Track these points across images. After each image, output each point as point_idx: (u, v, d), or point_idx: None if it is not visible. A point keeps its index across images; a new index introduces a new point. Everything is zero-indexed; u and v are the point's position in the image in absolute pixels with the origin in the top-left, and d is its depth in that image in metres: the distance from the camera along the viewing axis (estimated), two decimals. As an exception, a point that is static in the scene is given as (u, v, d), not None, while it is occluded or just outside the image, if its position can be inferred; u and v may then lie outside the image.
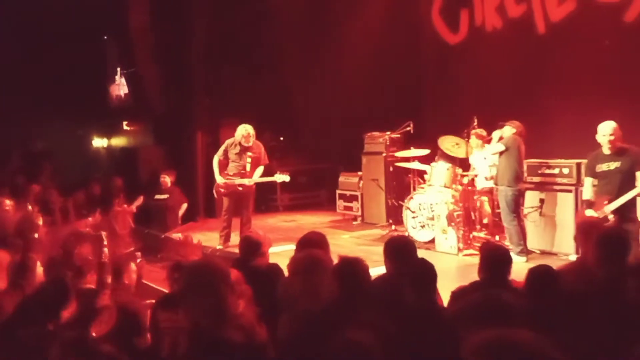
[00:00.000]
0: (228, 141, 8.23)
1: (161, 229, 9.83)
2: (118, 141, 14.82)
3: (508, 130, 7.26)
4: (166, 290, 4.91)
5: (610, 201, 5.74)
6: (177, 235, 9.10)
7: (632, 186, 5.73)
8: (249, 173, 8.08)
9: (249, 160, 8.05)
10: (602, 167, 5.94)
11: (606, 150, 5.95)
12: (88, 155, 14.57)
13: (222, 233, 8.16)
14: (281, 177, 8.28)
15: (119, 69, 14.74)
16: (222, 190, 8.13)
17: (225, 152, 8.17)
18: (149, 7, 11.85)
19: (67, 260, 5.00)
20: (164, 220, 10.00)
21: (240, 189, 8.07)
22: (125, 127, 14.57)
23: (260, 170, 8.15)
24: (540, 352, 1.60)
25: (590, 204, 5.99)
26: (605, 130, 5.91)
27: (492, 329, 1.70)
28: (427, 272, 3.45)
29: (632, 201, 5.80)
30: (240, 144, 8.06)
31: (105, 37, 14.58)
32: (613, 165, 5.86)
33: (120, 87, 14.87)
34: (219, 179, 8.12)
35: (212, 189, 9.37)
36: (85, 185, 12.40)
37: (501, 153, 7.20)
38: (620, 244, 3.57)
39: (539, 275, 3.34)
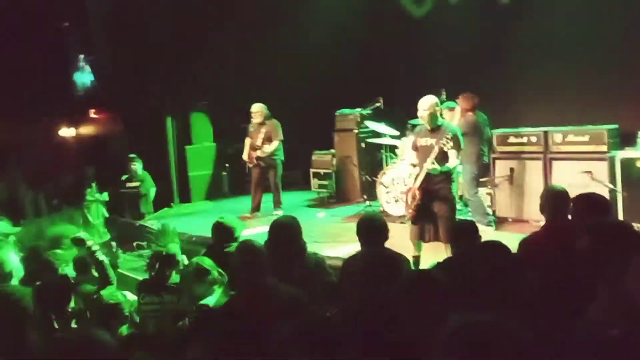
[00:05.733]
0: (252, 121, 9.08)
1: (135, 217, 9.75)
2: (86, 130, 14.57)
3: (456, 111, 7.31)
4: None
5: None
6: (151, 223, 9.05)
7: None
8: (260, 147, 8.89)
9: (260, 135, 8.87)
10: (422, 141, 5.94)
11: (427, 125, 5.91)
12: (56, 146, 14.31)
13: (252, 205, 9.09)
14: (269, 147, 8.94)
15: (82, 56, 14.44)
16: (248, 164, 9.14)
17: (249, 130, 9.12)
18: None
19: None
20: (136, 208, 9.92)
21: (255, 162, 8.97)
22: (92, 115, 14.33)
23: (273, 144, 8.89)
24: (506, 333, 1.62)
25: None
26: (424, 106, 5.87)
27: (457, 316, 1.71)
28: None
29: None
30: (254, 121, 8.96)
31: (67, 24, 14.23)
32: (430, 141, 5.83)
33: (84, 75, 14.60)
34: (244, 155, 9.11)
35: (186, 175, 11.03)
36: (55, 176, 12.24)
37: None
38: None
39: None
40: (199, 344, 3.04)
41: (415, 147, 6.01)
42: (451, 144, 5.60)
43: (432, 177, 5.66)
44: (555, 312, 2.55)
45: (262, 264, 3.55)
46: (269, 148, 8.90)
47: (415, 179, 5.80)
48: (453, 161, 5.70)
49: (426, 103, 5.81)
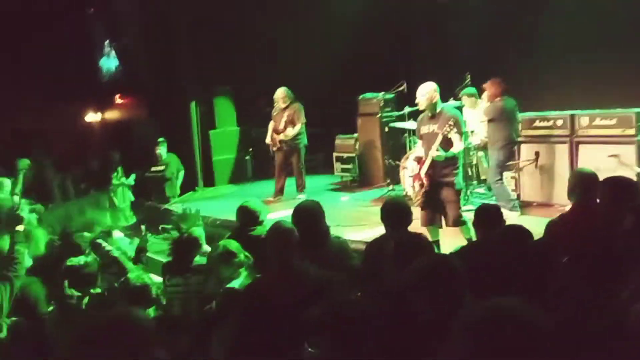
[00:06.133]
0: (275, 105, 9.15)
1: (160, 201, 9.87)
2: (111, 115, 14.73)
3: (485, 95, 7.25)
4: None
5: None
6: (176, 206, 9.16)
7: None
8: (282, 130, 8.93)
9: (284, 119, 8.91)
10: (424, 129, 5.90)
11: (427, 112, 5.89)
12: (82, 131, 14.49)
13: (275, 188, 9.17)
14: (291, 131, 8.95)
15: (107, 42, 14.55)
16: (272, 148, 9.15)
17: (273, 114, 9.14)
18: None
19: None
20: (162, 191, 10.04)
21: (277, 146, 9.02)
22: (118, 101, 14.47)
23: (295, 128, 8.92)
24: (530, 321, 1.62)
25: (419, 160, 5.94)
26: (421, 92, 5.83)
27: (481, 301, 1.72)
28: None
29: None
30: (278, 106, 9.02)
31: (92, 10, 14.34)
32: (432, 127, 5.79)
33: (110, 60, 14.72)
34: (267, 138, 9.12)
35: (210, 159, 11.22)
36: (82, 160, 12.40)
37: (489, 121, 7.23)
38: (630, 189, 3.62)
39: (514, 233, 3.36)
40: (227, 325, 3.08)
41: (419, 135, 6.02)
42: (454, 129, 5.60)
43: (438, 163, 5.67)
44: (586, 294, 2.54)
45: (293, 245, 3.59)
46: (291, 131, 8.91)
47: (421, 166, 5.79)
48: (458, 146, 5.71)
49: (424, 89, 5.82)
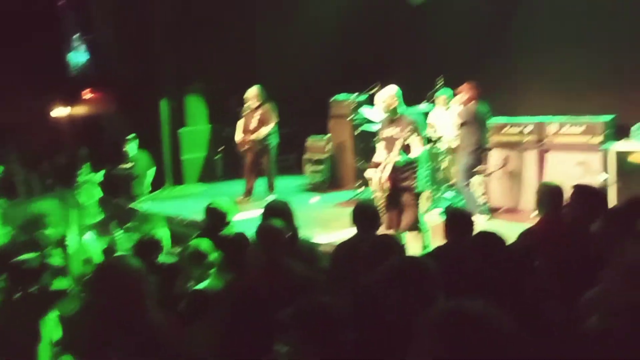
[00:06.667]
0: (246, 104, 9.02)
1: (127, 199, 9.72)
2: (80, 110, 14.47)
3: (460, 98, 7.31)
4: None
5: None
6: (143, 205, 9.04)
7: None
8: (254, 130, 8.81)
9: (255, 119, 8.82)
10: (385, 132, 5.96)
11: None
12: (49, 126, 14.21)
13: (245, 187, 9.10)
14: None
15: (77, 36, 14.30)
16: (240, 148, 9.03)
17: (244, 113, 9.02)
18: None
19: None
20: (130, 189, 9.88)
21: (247, 145, 8.88)
22: (87, 96, 14.23)
23: (267, 127, 8.80)
24: (493, 322, 1.63)
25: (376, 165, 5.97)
26: (381, 97, 5.91)
27: (447, 300, 1.72)
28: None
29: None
30: (249, 105, 8.89)
31: (61, 2, 14.08)
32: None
33: (79, 55, 14.46)
34: (236, 138, 9.00)
35: (179, 157, 11.05)
36: (49, 156, 12.17)
37: (461, 124, 7.28)
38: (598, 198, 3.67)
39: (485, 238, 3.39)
40: (212, 323, 3.08)
41: (380, 138, 6.06)
42: (414, 134, 5.64)
43: (399, 167, 5.70)
44: (559, 298, 2.57)
45: (282, 244, 3.59)
46: (265, 131, 8.83)
47: (383, 170, 5.82)
48: (418, 150, 5.75)
49: (382, 95, 5.88)
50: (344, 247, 4.20)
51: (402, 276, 2.36)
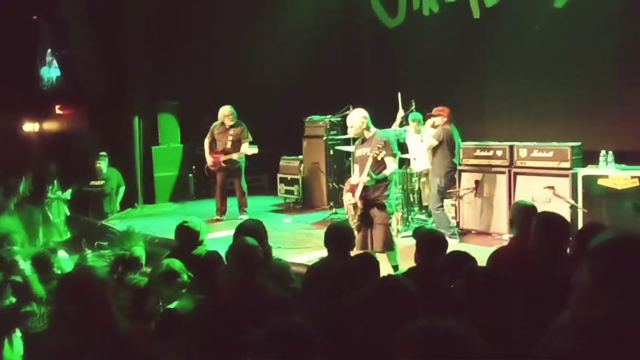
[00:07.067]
0: (214, 124, 9.03)
1: (98, 216, 9.57)
2: (50, 125, 14.28)
3: (439, 120, 7.42)
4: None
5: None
6: (114, 223, 8.91)
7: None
8: (231, 150, 8.82)
9: (230, 138, 8.83)
10: (357, 152, 6.07)
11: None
12: (18, 141, 13.98)
13: (217, 207, 9.06)
14: (251, 150, 8.90)
15: (49, 51, 14.16)
16: (212, 168, 8.98)
17: (212, 133, 9.00)
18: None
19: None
20: (100, 207, 9.73)
21: (225, 164, 8.85)
22: (58, 111, 14.05)
23: (245, 146, 8.84)
24: (466, 340, 1.65)
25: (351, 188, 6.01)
26: (349, 122, 5.99)
27: (421, 319, 1.75)
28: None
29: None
30: (223, 123, 8.87)
31: (35, 17, 13.95)
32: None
33: (51, 70, 14.31)
34: (207, 159, 8.98)
35: (151, 176, 10.92)
36: (17, 171, 11.93)
37: (435, 147, 7.38)
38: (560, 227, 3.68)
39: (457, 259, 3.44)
40: (174, 344, 3.03)
41: (354, 159, 6.13)
42: (383, 152, 5.71)
43: (370, 186, 5.75)
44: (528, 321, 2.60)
45: (256, 262, 3.55)
46: (244, 149, 8.84)
47: (354, 190, 5.84)
48: (390, 168, 5.81)
49: (351, 119, 5.95)
50: (317, 268, 4.19)
51: (383, 296, 2.37)
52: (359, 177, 5.82)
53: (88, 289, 2.69)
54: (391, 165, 5.81)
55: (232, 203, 9.20)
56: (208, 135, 9.06)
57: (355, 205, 5.83)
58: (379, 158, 5.71)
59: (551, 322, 2.41)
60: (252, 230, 4.25)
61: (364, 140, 5.93)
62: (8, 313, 4.11)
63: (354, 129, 5.92)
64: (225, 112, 8.85)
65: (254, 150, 8.92)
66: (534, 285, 3.12)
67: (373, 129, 5.96)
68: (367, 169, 5.67)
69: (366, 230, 5.86)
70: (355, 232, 5.82)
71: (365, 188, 5.74)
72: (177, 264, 4.14)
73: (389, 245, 5.78)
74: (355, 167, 6.07)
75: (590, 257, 1.90)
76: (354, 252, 4.25)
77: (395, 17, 10.64)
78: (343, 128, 9.63)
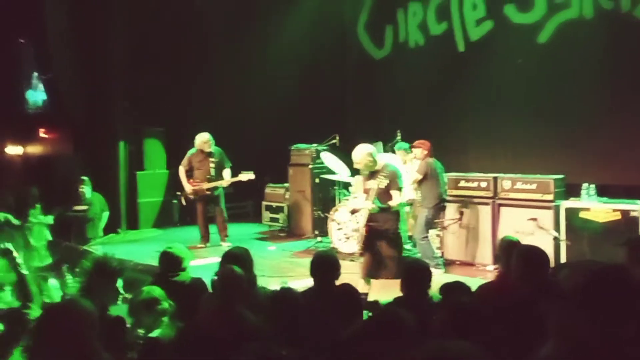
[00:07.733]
0: (190, 151, 8.87)
1: (80, 241, 9.46)
2: (34, 149, 14.15)
3: (419, 153, 7.49)
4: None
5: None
6: (96, 248, 8.80)
7: None
8: (215, 177, 8.73)
9: (212, 165, 8.71)
10: (367, 184, 6.23)
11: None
12: (1, 163, 13.82)
13: (202, 234, 8.96)
14: (246, 175, 8.83)
15: (35, 74, 14.10)
16: (192, 197, 8.82)
17: (189, 161, 8.85)
18: (68, 10, 11.41)
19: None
20: (83, 232, 9.63)
21: (208, 192, 8.72)
22: (42, 135, 13.95)
23: (227, 172, 8.76)
24: None
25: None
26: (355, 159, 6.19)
27: (431, 343, 1.74)
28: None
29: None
30: (202, 151, 8.71)
31: (22, 41, 13.93)
32: None
33: (37, 93, 14.24)
34: (187, 187, 8.81)
35: (135, 201, 10.72)
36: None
37: (421, 180, 7.43)
38: (539, 260, 3.69)
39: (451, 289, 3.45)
40: None
41: (364, 190, 6.20)
42: (387, 181, 5.77)
43: (376, 215, 5.80)
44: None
45: (240, 292, 3.52)
46: (229, 176, 8.75)
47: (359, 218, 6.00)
48: (395, 199, 5.87)
49: (357, 156, 6.08)
50: (302, 297, 4.16)
51: (382, 329, 2.37)
52: (363, 203, 5.89)
53: (73, 320, 2.64)
54: (397, 197, 5.91)
55: (213, 230, 9.13)
56: (185, 164, 8.91)
57: (361, 232, 5.91)
58: (382, 186, 5.77)
59: (534, 354, 2.42)
60: (239, 257, 4.23)
61: (372, 173, 5.99)
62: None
63: (360, 165, 6.04)
64: (204, 138, 8.75)
65: (251, 175, 8.84)
66: (515, 317, 3.13)
67: (382, 162, 6.05)
68: (371, 197, 5.74)
69: (369, 256, 5.89)
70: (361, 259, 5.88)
71: (370, 217, 5.77)
72: (157, 291, 4.07)
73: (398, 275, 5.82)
74: (362, 196, 6.16)
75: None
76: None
77: (381, 48, 10.80)
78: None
